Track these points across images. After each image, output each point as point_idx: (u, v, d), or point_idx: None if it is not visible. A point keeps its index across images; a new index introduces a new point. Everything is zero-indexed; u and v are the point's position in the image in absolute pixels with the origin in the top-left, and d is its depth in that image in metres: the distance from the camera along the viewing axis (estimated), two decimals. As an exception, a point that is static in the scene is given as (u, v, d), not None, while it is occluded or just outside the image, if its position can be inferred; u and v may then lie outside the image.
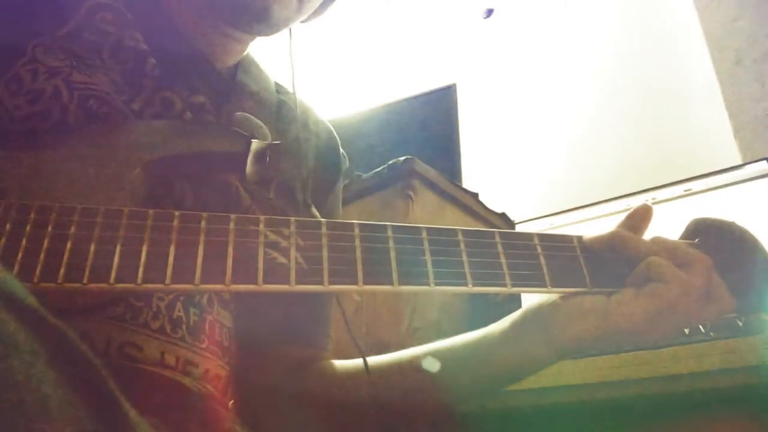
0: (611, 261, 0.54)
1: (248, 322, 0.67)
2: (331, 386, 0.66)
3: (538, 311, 0.56)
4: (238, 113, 0.62)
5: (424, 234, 0.49)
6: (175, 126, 0.56)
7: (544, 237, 0.53)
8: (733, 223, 0.56)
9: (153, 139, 0.52)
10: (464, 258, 0.49)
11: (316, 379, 0.67)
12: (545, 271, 0.51)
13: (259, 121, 0.62)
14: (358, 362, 0.65)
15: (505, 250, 0.50)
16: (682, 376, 0.92)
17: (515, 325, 0.57)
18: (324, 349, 0.70)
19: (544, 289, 0.51)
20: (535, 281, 0.51)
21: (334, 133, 0.78)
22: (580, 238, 0.55)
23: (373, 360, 0.64)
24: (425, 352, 0.63)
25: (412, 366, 0.63)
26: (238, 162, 0.54)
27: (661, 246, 0.53)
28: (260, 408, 0.66)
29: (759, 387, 0.88)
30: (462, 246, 0.49)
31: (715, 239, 0.55)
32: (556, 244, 0.53)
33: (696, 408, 0.95)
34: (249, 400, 0.67)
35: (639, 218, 0.57)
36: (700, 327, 0.99)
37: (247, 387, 0.67)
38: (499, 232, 0.52)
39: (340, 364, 0.69)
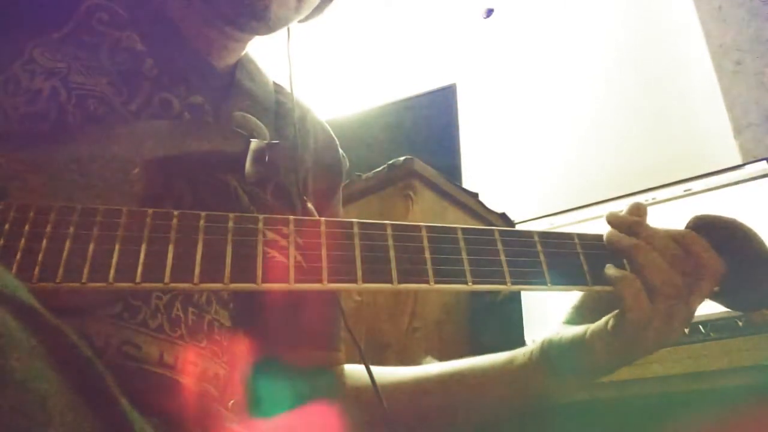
0: (611, 258, 0.54)
1: (260, 325, 0.67)
2: (343, 398, 0.66)
3: (544, 346, 0.57)
4: (236, 113, 0.62)
5: (423, 232, 0.49)
6: (174, 126, 0.56)
7: (544, 235, 0.53)
8: (734, 219, 0.56)
9: (152, 139, 0.52)
10: (464, 256, 0.49)
11: (330, 388, 0.67)
12: (545, 268, 0.51)
13: (257, 121, 0.62)
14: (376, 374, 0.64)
15: (504, 248, 0.50)
16: (682, 376, 0.92)
17: (533, 355, 0.58)
18: (337, 349, 0.70)
19: (545, 287, 0.51)
20: (535, 279, 0.51)
21: (332, 133, 0.78)
22: (580, 235, 0.55)
23: (388, 375, 0.64)
24: (444, 371, 0.63)
25: (430, 388, 0.63)
26: (236, 162, 0.54)
27: (649, 239, 0.53)
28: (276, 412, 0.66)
29: (759, 387, 0.88)
30: (462, 244, 0.49)
31: (716, 236, 0.55)
32: (556, 241, 0.53)
33: (696, 408, 0.95)
34: (263, 403, 0.67)
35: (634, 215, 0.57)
36: (700, 327, 0.99)
37: (262, 390, 0.67)
38: (499, 230, 0.52)
39: (353, 377, 0.68)
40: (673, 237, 0.53)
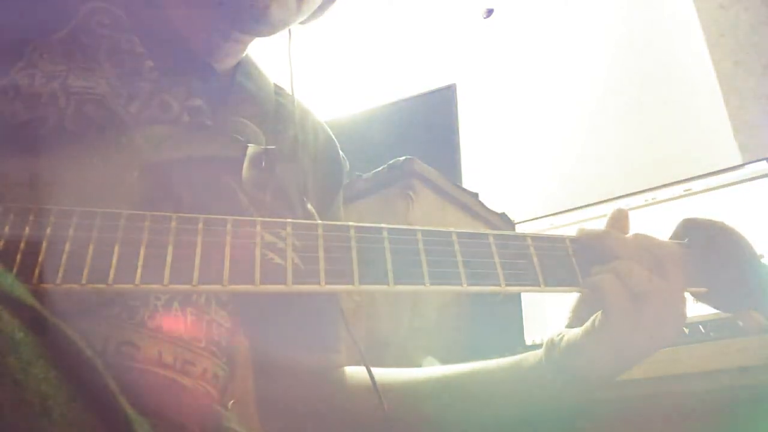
0: (602, 261, 0.54)
1: (259, 327, 0.68)
2: (344, 401, 0.66)
3: (548, 347, 0.57)
4: (234, 119, 0.62)
5: (419, 235, 0.49)
6: (174, 130, 0.57)
7: (536, 237, 0.54)
8: (721, 222, 0.57)
9: (151, 143, 0.53)
10: (458, 258, 0.49)
11: (331, 393, 0.67)
12: (538, 270, 0.52)
13: (254, 127, 0.62)
14: (379, 378, 0.63)
15: (498, 251, 0.51)
16: (681, 376, 0.92)
17: (541, 357, 0.58)
18: (337, 351, 0.70)
19: (538, 288, 0.51)
20: (528, 281, 0.51)
21: (333, 136, 0.78)
22: (571, 238, 0.56)
23: (391, 377, 0.63)
24: (451, 373, 0.62)
25: (435, 390, 0.62)
26: (234, 166, 0.54)
27: (634, 248, 0.54)
28: (280, 418, 0.66)
29: (759, 387, 0.88)
30: (456, 246, 0.50)
31: (704, 239, 0.56)
32: (548, 244, 0.54)
33: (696, 408, 0.95)
34: (270, 409, 0.67)
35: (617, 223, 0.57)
36: (700, 327, 0.99)
37: (268, 397, 0.67)
38: (493, 233, 0.52)
39: (354, 379, 0.68)
40: (639, 245, 0.54)
